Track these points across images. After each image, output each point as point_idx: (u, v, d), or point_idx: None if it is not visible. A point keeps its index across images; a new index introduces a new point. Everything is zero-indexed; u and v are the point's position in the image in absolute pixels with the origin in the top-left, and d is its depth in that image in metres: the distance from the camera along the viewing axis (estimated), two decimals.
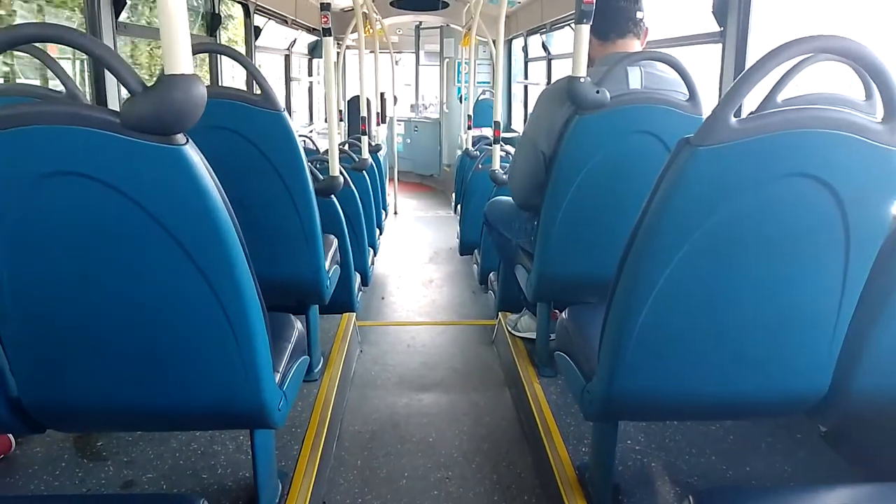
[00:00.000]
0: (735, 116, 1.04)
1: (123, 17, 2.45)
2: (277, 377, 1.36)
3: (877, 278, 1.20)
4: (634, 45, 1.94)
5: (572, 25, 1.90)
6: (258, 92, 1.87)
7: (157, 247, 1.05)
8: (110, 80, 2.40)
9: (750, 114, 1.08)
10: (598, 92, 1.75)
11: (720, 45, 2.43)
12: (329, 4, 2.49)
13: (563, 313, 1.70)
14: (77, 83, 1.88)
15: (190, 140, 1.00)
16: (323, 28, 2.46)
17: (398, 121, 8.85)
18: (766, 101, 1.51)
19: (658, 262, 1.15)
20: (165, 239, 1.04)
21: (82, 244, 1.06)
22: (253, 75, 1.86)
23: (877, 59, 1.02)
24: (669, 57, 1.83)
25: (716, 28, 2.43)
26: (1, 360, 1.19)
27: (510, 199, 2.37)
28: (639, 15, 1.91)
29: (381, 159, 5.54)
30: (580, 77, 1.77)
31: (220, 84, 3.72)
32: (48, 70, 1.86)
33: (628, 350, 1.25)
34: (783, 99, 1.55)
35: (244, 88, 4.20)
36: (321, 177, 2.50)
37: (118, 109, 0.97)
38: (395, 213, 7.05)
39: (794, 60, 1.33)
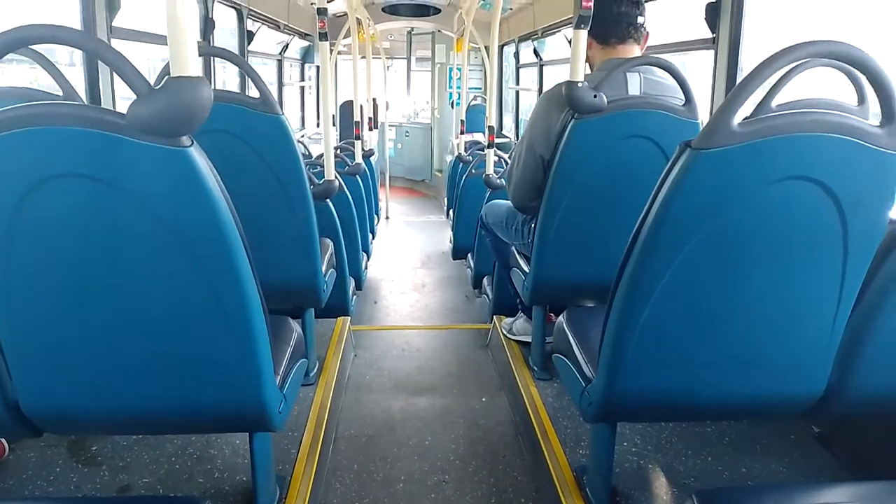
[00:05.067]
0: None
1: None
2: (277, 380, 1.36)
3: (873, 281, 1.22)
4: (634, 50, 1.96)
5: (566, 34, 1.92)
6: (254, 95, 1.87)
7: (161, 248, 1.05)
8: (104, 82, 2.38)
9: (745, 119, 1.10)
10: (595, 96, 1.76)
11: (712, 52, 2.46)
12: (326, 10, 2.49)
13: (561, 316, 1.71)
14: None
15: (195, 142, 1.00)
16: (319, 33, 2.47)
17: (389, 126, 8.86)
18: (761, 107, 1.53)
19: (659, 264, 1.16)
20: (169, 240, 1.04)
21: (86, 245, 1.05)
22: (252, 79, 1.87)
23: (877, 64, 1.05)
24: (666, 62, 1.85)
25: (708, 34, 2.46)
26: None
27: (507, 202, 2.38)
28: (640, 20, 1.93)
29: (374, 164, 5.55)
30: (578, 81, 1.79)
31: (213, 87, 3.71)
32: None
33: (629, 351, 1.26)
34: (777, 104, 1.58)
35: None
36: (317, 181, 2.50)
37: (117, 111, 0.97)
38: (387, 217, 7.05)
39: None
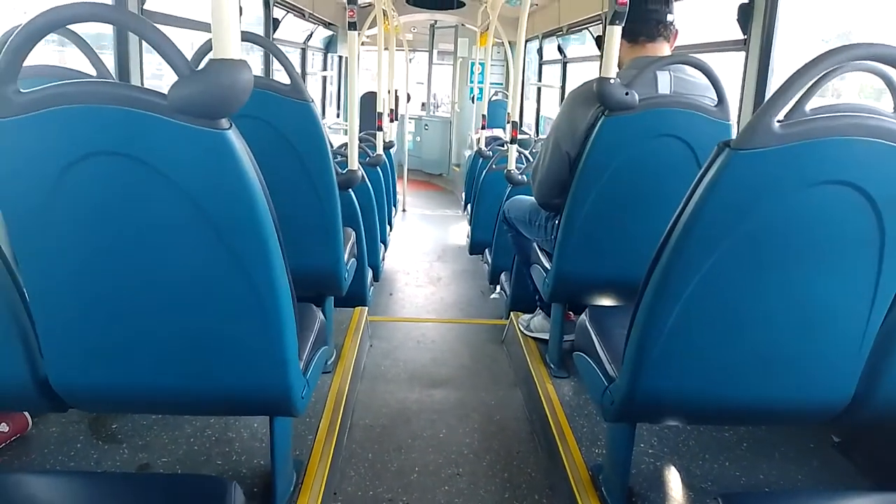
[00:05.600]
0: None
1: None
2: (301, 365, 1.36)
3: None
4: (664, 49, 1.94)
5: (590, 30, 1.91)
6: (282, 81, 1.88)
7: (194, 229, 1.05)
8: (133, 63, 2.40)
9: (778, 121, 1.08)
10: (627, 94, 1.75)
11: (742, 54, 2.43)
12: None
13: (584, 314, 1.70)
14: None
15: (234, 125, 1.01)
16: (349, 22, 2.47)
17: (409, 118, 8.86)
18: (795, 110, 1.51)
19: (691, 264, 1.15)
20: (204, 222, 1.05)
21: (120, 224, 1.06)
22: (283, 65, 1.87)
23: None
24: (699, 61, 1.83)
25: (740, 36, 2.44)
26: (31, 339, 1.19)
27: (530, 197, 2.37)
28: (669, 18, 1.91)
29: (392, 156, 5.56)
30: (610, 78, 1.77)
31: None
32: None
33: (654, 351, 1.25)
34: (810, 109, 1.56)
35: None
36: (340, 170, 2.51)
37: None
38: (404, 210, 7.06)
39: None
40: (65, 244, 1.07)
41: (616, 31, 1.81)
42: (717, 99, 1.83)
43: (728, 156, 1.06)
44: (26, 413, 1.79)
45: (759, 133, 1.04)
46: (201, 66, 0.96)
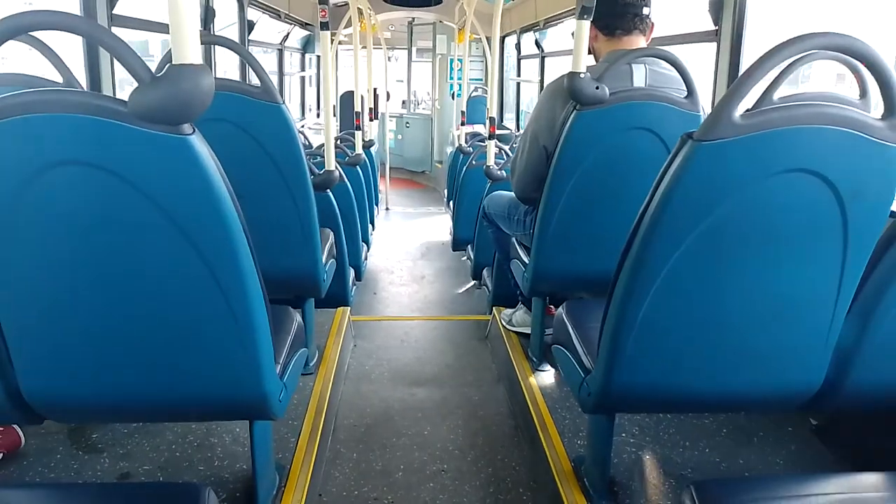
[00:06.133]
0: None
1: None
2: (278, 368, 1.36)
3: (872, 274, 1.22)
4: (640, 42, 1.95)
5: (570, 26, 1.91)
6: (255, 84, 1.87)
7: (162, 236, 1.05)
8: (104, 69, 2.38)
9: (746, 111, 1.09)
10: (597, 88, 1.76)
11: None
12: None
13: (561, 307, 1.72)
14: None
15: (197, 130, 1.00)
16: (321, 22, 2.45)
17: (390, 117, 8.84)
18: (763, 99, 1.53)
19: (659, 256, 1.16)
20: (170, 228, 1.04)
21: (87, 233, 1.05)
22: (253, 68, 1.86)
23: (879, 57, 1.04)
24: (668, 54, 1.84)
25: (711, 27, 2.46)
26: (1, 351, 1.18)
27: (509, 193, 2.38)
28: (645, 11, 1.92)
29: (374, 155, 5.54)
30: (580, 73, 1.78)
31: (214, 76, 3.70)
32: None
33: (628, 343, 1.26)
34: (778, 97, 1.58)
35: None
36: (317, 171, 2.50)
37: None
38: (387, 208, 7.05)
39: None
40: (31, 254, 1.06)
41: (584, 26, 1.82)
42: (687, 91, 1.85)
43: (691, 147, 1.07)
44: (17, 428, 1.76)
45: (721, 124, 1.05)
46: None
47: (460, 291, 4.10)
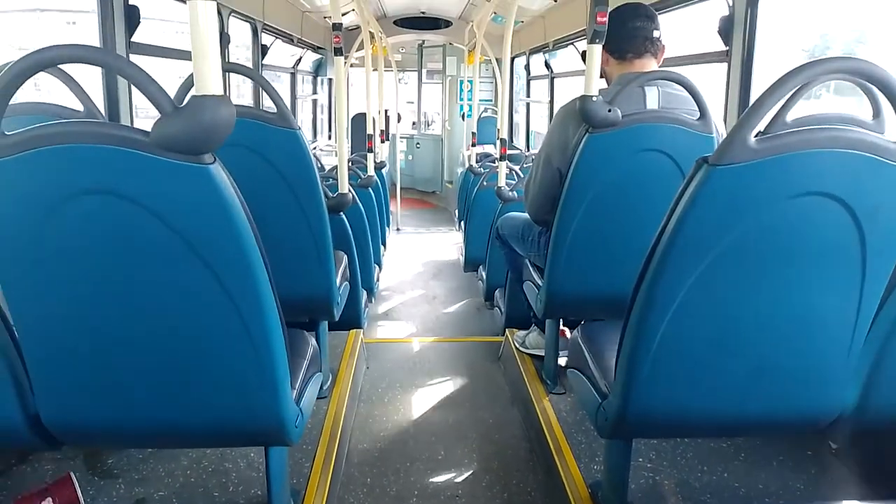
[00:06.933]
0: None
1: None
2: (294, 393, 1.36)
3: (892, 295, 1.21)
4: (651, 64, 1.96)
5: (576, 45, 1.93)
6: (269, 109, 1.89)
7: (181, 264, 1.06)
8: (122, 98, 2.42)
9: (759, 133, 1.10)
10: (609, 111, 1.77)
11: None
12: (341, 25, 2.52)
13: (576, 330, 1.71)
14: None
15: (217, 159, 1.02)
16: (335, 48, 2.49)
17: (401, 137, 8.91)
18: (775, 121, 1.53)
19: (676, 279, 1.16)
20: (190, 256, 1.05)
21: (108, 261, 1.07)
22: (269, 95, 1.89)
23: (893, 80, 1.04)
24: (678, 75, 1.85)
25: (722, 47, 2.47)
26: (21, 377, 1.19)
27: (523, 214, 2.39)
28: (655, 34, 1.93)
29: (385, 176, 5.57)
30: (592, 96, 1.79)
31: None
32: None
33: (645, 367, 1.25)
34: (792, 119, 1.58)
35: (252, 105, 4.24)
36: (331, 194, 2.52)
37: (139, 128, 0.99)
38: (398, 229, 7.08)
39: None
40: (53, 283, 1.08)
41: (596, 50, 1.83)
42: (699, 112, 1.85)
43: (706, 172, 1.07)
44: (74, 481, 1.66)
45: (736, 148, 1.05)
46: (186, 100, 0.97)
47: (473, 312, 4.09)
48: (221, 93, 0.97)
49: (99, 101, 2.31)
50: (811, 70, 1.05)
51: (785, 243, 1.13)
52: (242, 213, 1.05)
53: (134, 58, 2.51)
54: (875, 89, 1.32)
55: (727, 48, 2.44)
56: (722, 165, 1.06)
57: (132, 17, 2.42)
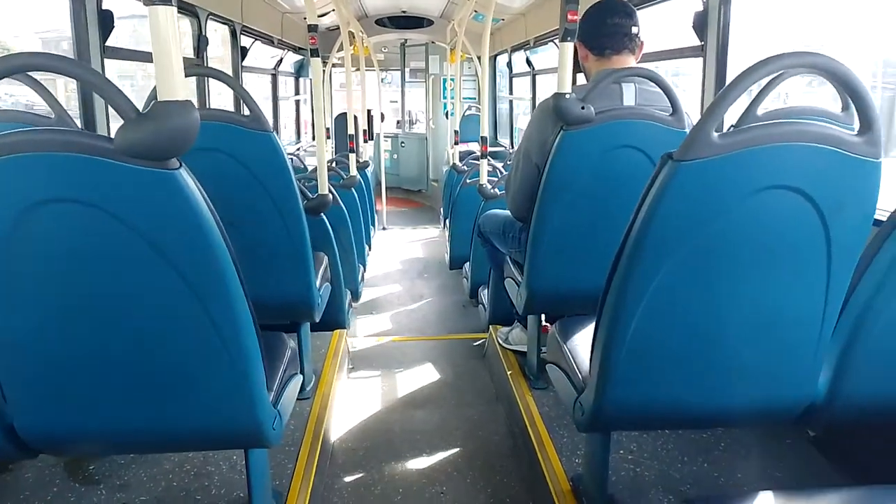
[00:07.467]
0: (717, 131, 1.07)
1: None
2: (271, 396, 1.36)
3: (858, 286, 1.23)
4: (630, 60, 1.96)
5: (556, 43, 1.94)
6: (246, 112, 1.89)
7: (150, 270, 1.06)
8: (98, 103, 2.40)
9: (730, 127, 1.11)
10: (583, 108, 1.78)
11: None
12: (316, 26, 2.51)
13: (554, 326, 1.72)
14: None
15: (183, 164, 1.02)
16: (311, 49, 2.49)
17: (385, 137, 8.91)
18: (746, 115, 1.55)
19: (645, 274, 1.17)
20: (159, 262, 1.05)
21: (76, 269, 1.06)
22: (241, 97, 1.88)
23: (851, 74, 1.06)
24: (650, 72, 1.87)
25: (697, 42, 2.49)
26: None
27: (504, 211, 2.40)
28: (634, 30, 1.94)
29: (369, 175, 5.57)
30: (565, 93, 1.80)
31: (207, 104, 3.74)
32: None
33: (619, 361, 1.27)
34: (763, 112, 1.60)
35: (232, 108, 4.22)
36: (311, 195, 2.52)
37: (107, 134, 0.99)
38: (384, 228, 7.07)
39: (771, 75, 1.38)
40: (21, 292, 1.08)
41: (568, 48, 1.84)
42: (672, 108, 1.87)
43: (671, 167, 1.09)
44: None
45: (699, 144, 1.06)
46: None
47: (458, 310, 4.09)
48: (185, 98, 0.97)
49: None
50: (772, 64, 1.06)
51: (751, 237, 1.14)
52: (210, 218, 1.05)
53: (109, 62, 2.49)
54: None
55: (702, 43, 2.46)
56: (686, 161, 1.07)
57: (106, 22, 2.40)
